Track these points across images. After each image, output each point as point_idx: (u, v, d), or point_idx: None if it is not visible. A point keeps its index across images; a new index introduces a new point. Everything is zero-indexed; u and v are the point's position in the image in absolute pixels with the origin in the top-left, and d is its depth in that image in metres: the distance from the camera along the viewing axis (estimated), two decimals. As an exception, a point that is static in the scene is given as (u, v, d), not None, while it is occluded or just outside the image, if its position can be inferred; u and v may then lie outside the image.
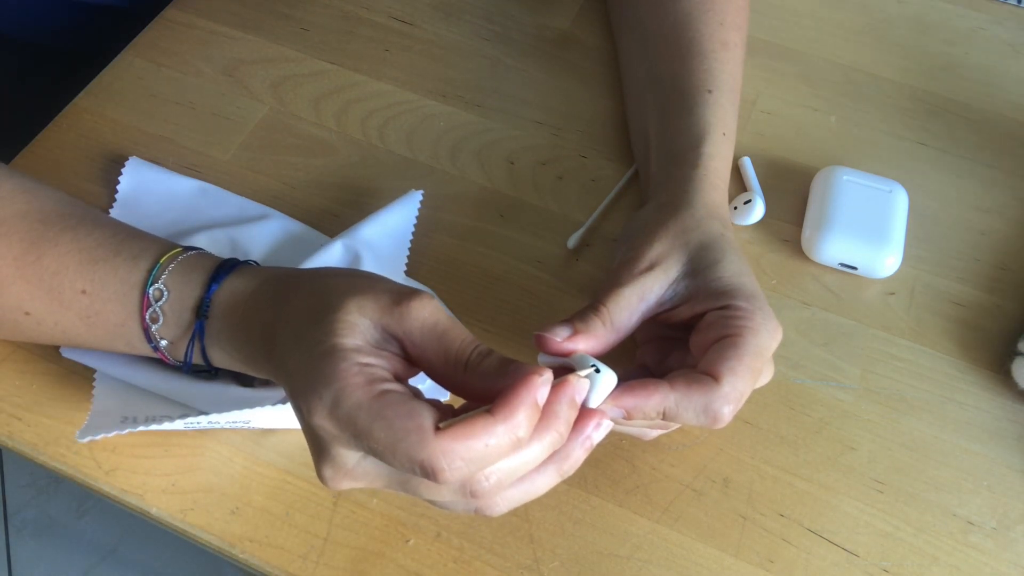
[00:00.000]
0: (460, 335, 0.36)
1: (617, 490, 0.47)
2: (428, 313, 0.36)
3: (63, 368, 0.49)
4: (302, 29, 0.66)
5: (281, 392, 0.47)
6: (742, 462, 0.48)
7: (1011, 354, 0.51)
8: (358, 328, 0.36)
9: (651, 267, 0.44)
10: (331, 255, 0.51)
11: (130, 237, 0.44)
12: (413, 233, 0.55)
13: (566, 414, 0.35)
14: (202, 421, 0.44)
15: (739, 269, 0.44)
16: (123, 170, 0.56)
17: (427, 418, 0.33)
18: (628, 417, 0.39)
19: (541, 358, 0.41)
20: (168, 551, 1.29)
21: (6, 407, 0.48)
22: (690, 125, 0.52)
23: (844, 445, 0.49)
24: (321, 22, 0.66)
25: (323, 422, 0.34)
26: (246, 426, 0.46)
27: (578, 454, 0.37)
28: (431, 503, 0.36)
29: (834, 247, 0.54)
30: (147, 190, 0.56)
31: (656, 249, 0.44)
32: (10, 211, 0.43)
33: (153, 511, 0.46)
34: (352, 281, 0.38)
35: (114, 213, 0.55)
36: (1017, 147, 0.62)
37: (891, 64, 0.66)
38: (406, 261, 0.53)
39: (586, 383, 0.36)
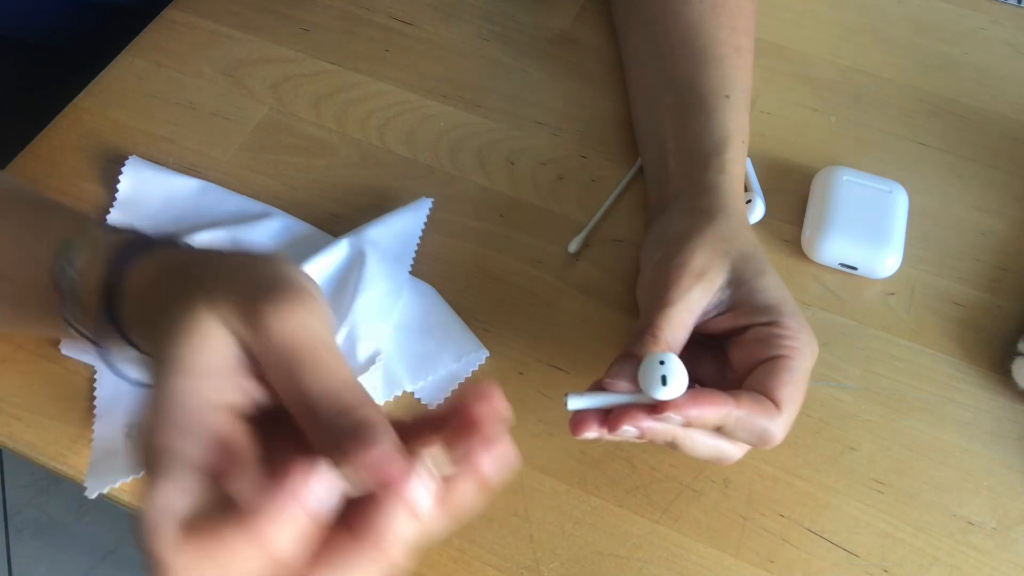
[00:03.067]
0: (325, 369, 0.27)
1: (617, 490, 0.47)
2: (289, 327, 0.27)
3: (63, 368, 0.49)
4: (302, 29, 0.66)
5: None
6: (742, 462, 0.48)
7: (1011, 354, 0.51)
8: (203, 360, 0.27)
9: (698, 279, 0.43)
10: (336, 253, 0.51)
11: (49, 215, 0.41)
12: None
13: (389, 532, 0.26)
14: None
15: (780, 283, 0.44)
16: (123, 169, 0.56)
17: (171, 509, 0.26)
18: (687, 425, 0.39)
19: (608, 381, 0.40)
20: (168, 551, 1.29)
21: (6, 407, 0.48)
22: (711, 130, 0.52)
23: (844, 445, 0.49)
24: (321, 22, 0.66)
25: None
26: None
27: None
28: None
29: (834, 247, 0.54)
30: (147, 190, 0.56)
31: (699, 258, 0.44)
32: None
33: (153, 511, 0.46)
34: (218, 267, 0.30)
35: (114, 212, 0.55)
36: (1017, 147, 0.62)
37: (891, 64, 0.66)
38: (412, 262, 0.53)
39: (426, 488, 0.27)
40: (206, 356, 0.27)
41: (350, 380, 0.27)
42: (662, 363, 0.38)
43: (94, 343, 0.38)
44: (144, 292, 0.34)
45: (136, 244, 0.36)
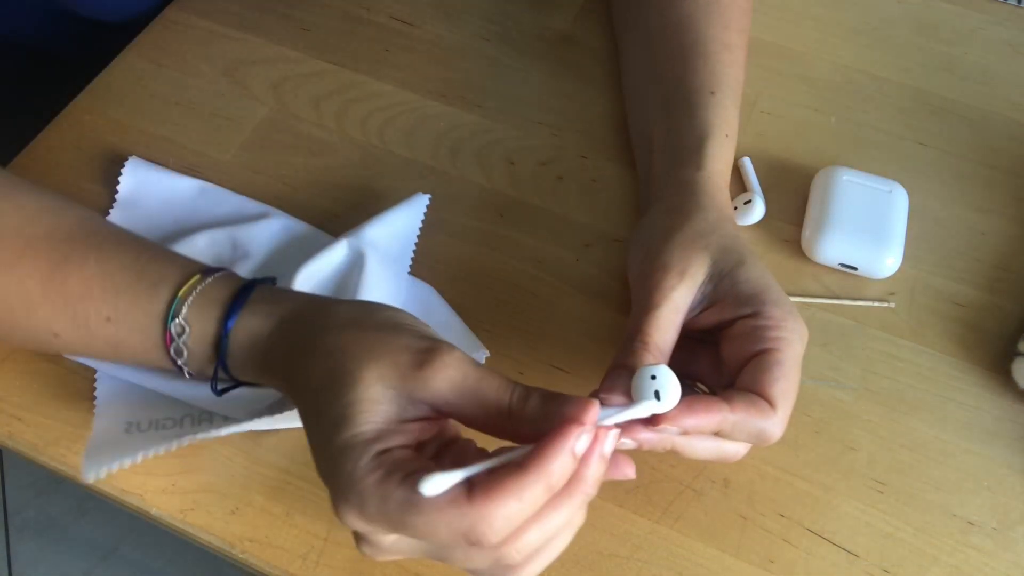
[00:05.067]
0: (494, 383, 0.35)
1: (617, 490, 0.47)
2: (455, 370, 0.35)
3: (63, 368, 0.49)
4: (302, 29, 0.66)
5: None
6: (742, 462, 0.48)
7: (1011, 354, 0.51)
8: (378, 405, 0.34)
9: (680, 278, 0.43)
10: (335, 255, 0.51)
11: (152, 260, 0.43)
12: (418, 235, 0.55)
13: (595, 472, 0.34)
14: (205, 434, 0.44)
15: (761, 271, 0.44)
16: (123, 170, 0.56)
17: (457, 487, 0.32)
18: (685, 434, 0.39)
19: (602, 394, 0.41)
20: (168, 551, 1.29)
21: (6, 407, 0.48)
22: (693, 127, 0.52)
23: (844, 445, 0.49)
24: (321, 22, 0.66)
25: (354, 522, 0.33)
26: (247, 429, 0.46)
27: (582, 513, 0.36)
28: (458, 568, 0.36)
29: (834, 247, 0.54)
30: (147, 190, 0.56)
31: (678, 258, 0.44)
32: (37, 230, 0.42)
33: (153, 511, 0.46)
34: (368, 341, 0.36)
35: (114, 213, 0.55)
36: (1017, 147, 0.62)
37: (891, 64, 0.66)
38: (411, 262, 0.53)
39: (614, 434, 0.35)
40: (375, 420, 0.34)
41: (508, 386, 0.35)
42: (654, 377, 0.38)
43: (194, 376, 0.43)
44: (252, 347, 0.40)
45: (240, 294, 0.41)
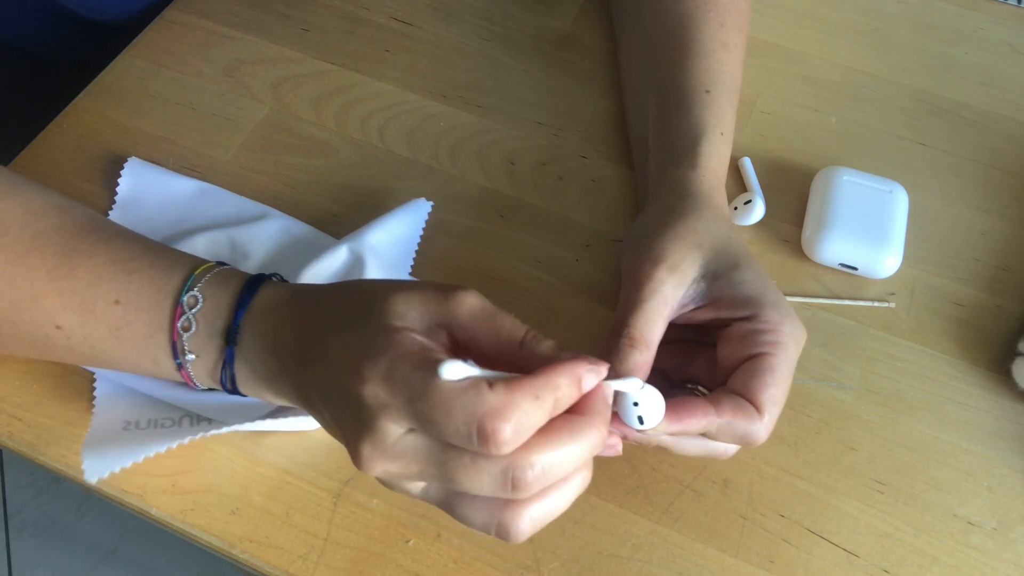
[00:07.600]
0: (510, 318, 0.37)
1: (617, 490, 0.47)
2: (475, 300, 0.37)
3: (63, 368, 0.49)
4: (302, 29, 0.66)
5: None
6: (742, 462, 0.48)
7: (1011, 354, 0.51)
8: (407, 316, 0.36)
9: (670, 272, 0.43)
10: (335, 259, 0.51)
11: (164, 250, 0.44)
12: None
13: (604, 413, 0.35)
14: (204, 433, 0.44)
15: (758, 272, 0.44)
16: (123, 171, 0.56)
17: (477, 378, 0.33)
18: (670, 435, 0.40)
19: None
20: (168, 551, 1.29)
21: (6, 407, 0.48)
22: (688, 125, 0.52)
23: (844, 445, 0.49)
24: (321, 22, 0.66)
25: (376, 388, 0.33)
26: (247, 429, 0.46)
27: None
28: (455, 509, 0.35)
29: (834, 247, 0.54)
30: (147, 191, 0.56)
31: (670, 252, 0.44)
32: (45, 224, 0.43)
33: (153, 511, 0.46)
34: (393, 281, 0.39)
35: (114, 213, 0.55)
36: (1017, 147, 0.62)
37: (891, 64, 0.66)
38: (411, 268, 0.53)
39: (612, 386, 0.37)
40: (410, 323, 0.36)
41: (523, 325, 0.37)
42: (636, 404, 0.38)
43: (188, 375, 0.43)
44: (267, 314, 0.40)
45: (257, 278, 0.42)
